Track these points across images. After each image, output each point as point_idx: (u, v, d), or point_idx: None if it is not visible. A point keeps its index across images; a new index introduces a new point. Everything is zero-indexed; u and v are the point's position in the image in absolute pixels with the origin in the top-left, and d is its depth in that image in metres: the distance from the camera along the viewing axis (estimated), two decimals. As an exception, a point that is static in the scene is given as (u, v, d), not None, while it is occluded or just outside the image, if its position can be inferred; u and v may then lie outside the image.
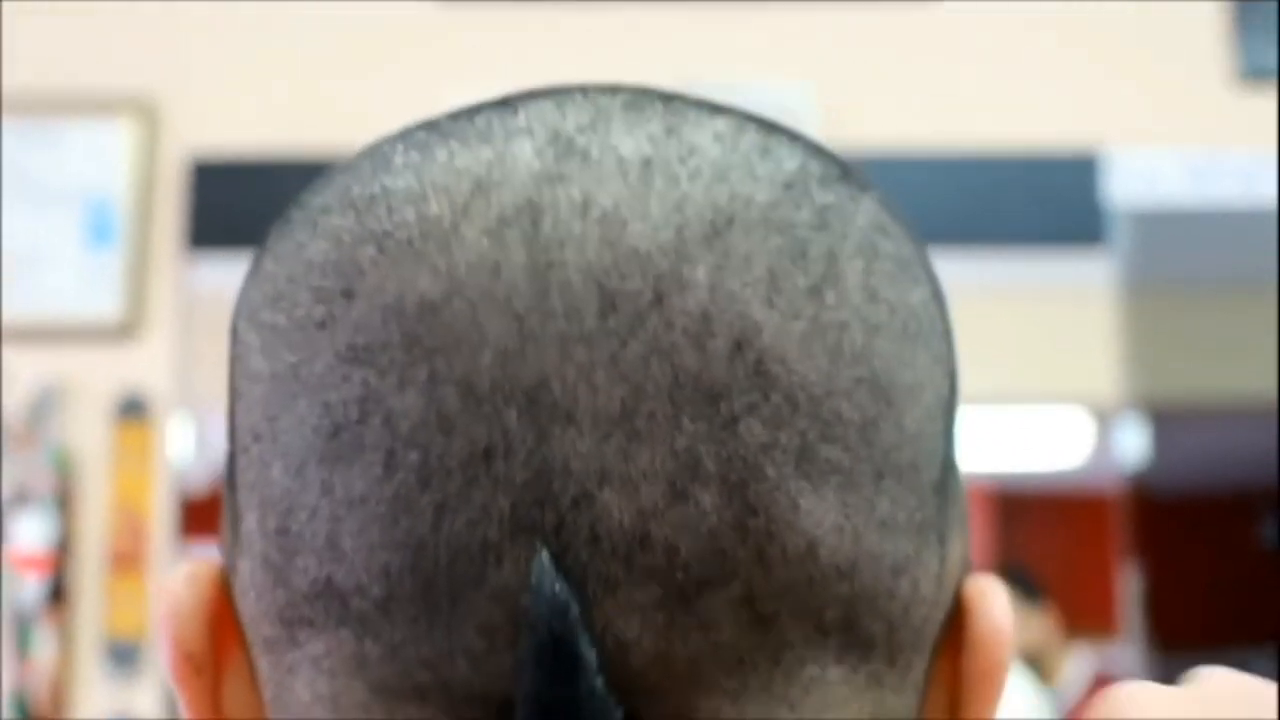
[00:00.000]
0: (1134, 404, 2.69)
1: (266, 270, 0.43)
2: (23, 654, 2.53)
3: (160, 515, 2.61)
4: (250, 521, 0.41)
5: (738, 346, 0.38)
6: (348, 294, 0.39)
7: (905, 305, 0.42)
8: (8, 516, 2.56)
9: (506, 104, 0.42)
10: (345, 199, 0.41)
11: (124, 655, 2.57)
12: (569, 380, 0.37)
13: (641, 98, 0.42)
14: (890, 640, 0.40)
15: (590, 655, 0.36)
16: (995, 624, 0.43)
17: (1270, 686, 0.40)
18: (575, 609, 0.37)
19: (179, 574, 0.44)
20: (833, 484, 0.39)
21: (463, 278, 0.38)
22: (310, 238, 0.42)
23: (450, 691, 0.38)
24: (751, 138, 0.42)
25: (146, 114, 2.71)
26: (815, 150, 0.43)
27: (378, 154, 0.42)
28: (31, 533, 2.56)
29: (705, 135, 0.41)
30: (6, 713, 2.51)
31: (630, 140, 0.40)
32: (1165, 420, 2.87)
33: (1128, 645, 2.74)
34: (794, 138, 0.43)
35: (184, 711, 0.43)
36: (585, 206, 0.39)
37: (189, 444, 2.64)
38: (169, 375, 2.64)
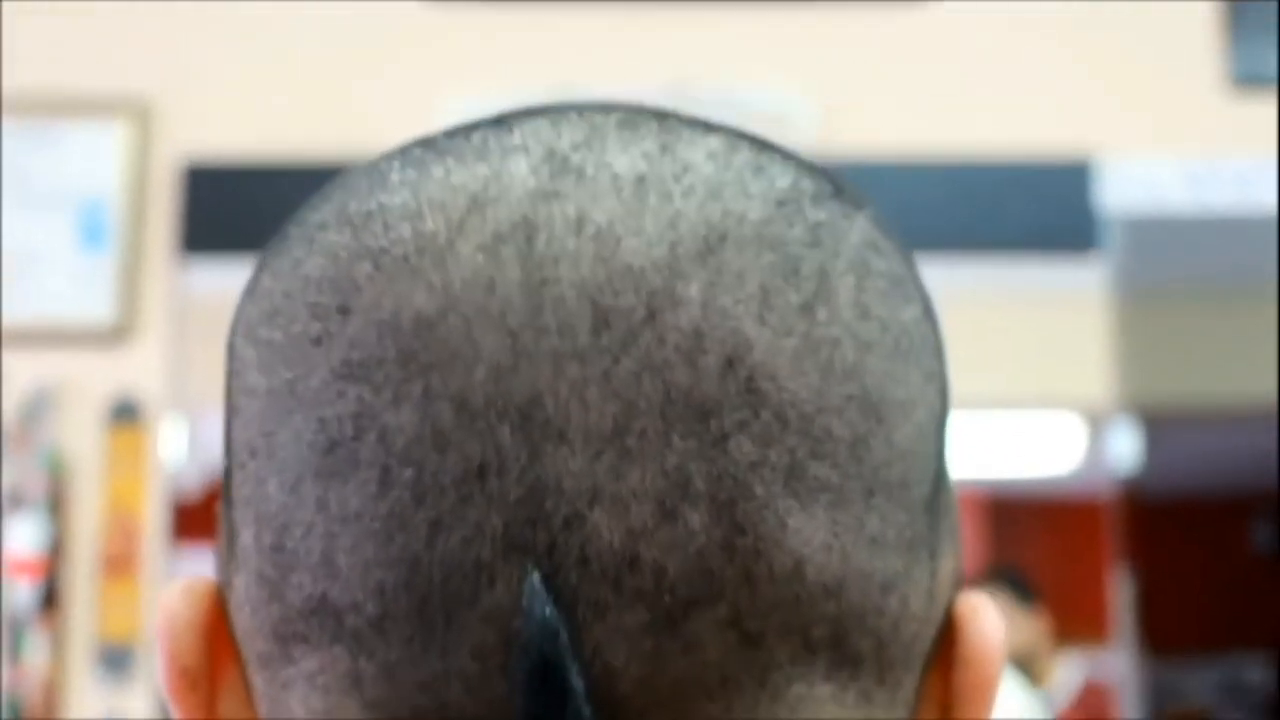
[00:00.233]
0: (1127, 409, 2.69)
1: (264, 286, 0.43)
2: (15, 658, 2.53)
3: (153, 519, 2.61)
4: (246, 537, 0.41)
5: (729, 363, 0.38)
6: (344, 310, 0.40)
7: (897, 322, 0.42)
8: (1, 520, 2.56)
9: (502, 122, 0.43)
10: (342, 216, 0.42)
11: (116, 659, 2.57)
12: (562, 397, 0.37)
13: (636, 116, 0.42)
14: (879, 657, 0.40)
15: (579, 683, 0.37)
16: (987, 640, 0.43)
17: None
18: (565, 635, 0.37)
19: (175, 589, 0.44)
20: (822, 502, 0.39)
21: (458, 294, 0.38)
22: (307, 254, 0.42)
23: (444, 713, 0.38)
24: (744, 156, 0.42)
25: (140, 117, 2.71)
26: (808, 168, 0.43)
27: (374, 171, 0.43)
28: (24, 536, 2.56)
29: (699, 153, 0.41)
30: (-1, 716, 2.51)
31: (625, 158, 0.41)
32: (1158, 425, 2.88)
33: (1121, 650, 2.74)
34: (787, 156, 0.43)
35: None
36: (580, 223, 0.39)
37: (181, 448, 2.64)
38: (162, 379, 2.64)
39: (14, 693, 2.52)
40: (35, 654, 2.54)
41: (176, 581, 0.44)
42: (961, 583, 0.45)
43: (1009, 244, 2.66)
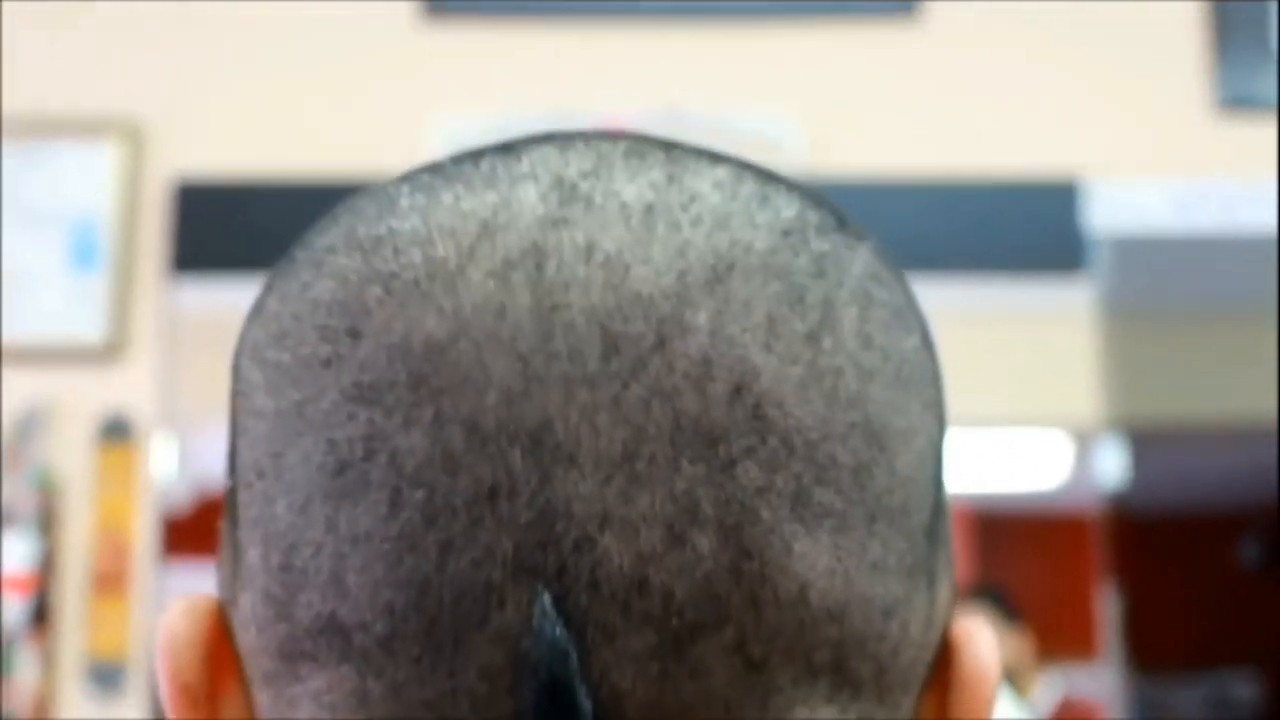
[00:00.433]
0: (1114, 427, 2.70)
1: (270, 309, 0.43)
2: (5, 675, 2.53)
3: (143, 536, 2.61)
4: (253, 556, 0.42)
5: (737, 390, 0.39)
6: (354, 333, 0.40)
7: (899, 351, 0.43)
8: (-9, 537, 2.56)
9: (510, 149, 0.43)
10: (351, 240, 0.42)
11: (107, 676, 2.57)
12: (572, 422, 0.38)
13: (642, 145, 0.43)
14: (879, 681, 0.41)
15: (587, 704, 0.37)
16: (982, 664, 0.44)
17: None
18: (574, 656, 0.37)
19: (176, 607, 0.44)
20: (826, 527, 0.39)
21: (468, 319, 0.39)
22: (315, 277, 0.42)
23: None
24: (750, 186, 0.43)
25: (131, 137, 2.72)
26: (813, 199, 0.44)
27: (383, 196, 0.43)
28: (15, 554, 2.56)
29: (705, 183, 0.42)
30: (-11, 734, 2.51)
31: (632, 187, 0.41)
32: (1145, 443, 2.88)
33: (1107, 667, 2.75)
34: (791, 187, 0.44)
35: None
36: (589, 251, 0.39)
37: (172, 465, 2.65)
38: (153, 397, 2.64)
39: (5, 709, 2.52)
40: (25, 671, 2.54)
41: (177, 599, 0.44)
42: (957, 607, 0.45)
43: (998, 264, 2.67)
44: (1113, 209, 2.68)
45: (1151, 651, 3.21)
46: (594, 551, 0.37)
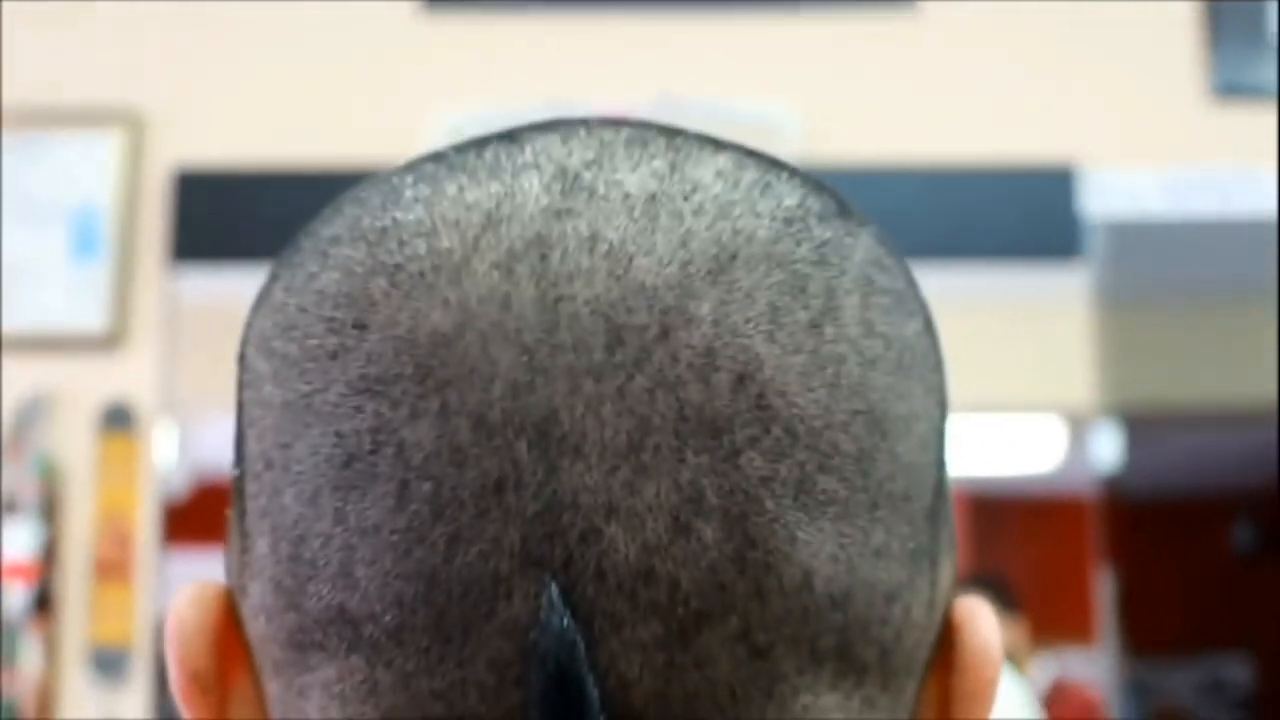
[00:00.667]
0: (1108, 411, 2.71)
1: (277, 299, 0.43)
2: (8, 662, 2.53)
3: (145, 523, 2.62)
4: (262, 546, 0.42)
5: (740, 380, 0.39)
6: (360, 325, 0.40)
7: (900, 338, 0.43)
8: (-6, 525, 2.57)
9: (513, 138, 0.43)
10: (356, 230, 0.42)
11: (109, 663, 2.58)
12: (577, 413, 0.38)
13: (644, 133, 0.43)
14: (883, 665, 0.41)
15: (595, 694, 0.37)
16: (984, 644, 0.44)
17: None
18: (581, 647, 0.37)
19: (185, 594, 0.44)
20: (829, 514, 0.40)
21: (474, 310, 0.39)
22: (321, 268, 0.42)
23: None
24: (752, 174, 0.43)
25: (132, 126, 2.72)
26: (814, 186, 0.44)
27: (387, 186, 0.43)
28: (17, 541, 2.57)
29: (708, 172, 0.42)
30: (-8, 721, 2.52)
31: (635, 176, 0.41)
32: (1139, 427, 2.89)
33: (1102, 650, 2.76)
34: (793, 174, 0.44)
35: None
36: (592, 241, 0.40)
37: (173, 453, 2.65)
38: (154, 386, 2.65)
39: (7, 697, 2.52)
40: (28, 658, 2.54)
41: (186, 586, 0.44)
42: (958, 589, 0.46)
43: (994, 251, 2.68)
44: (1108, 195, 2.69)
45: (1145, 635, 3.22)
46: (600, 542, 0.38)
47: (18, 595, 2.56)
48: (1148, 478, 3.10)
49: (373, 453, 0.39)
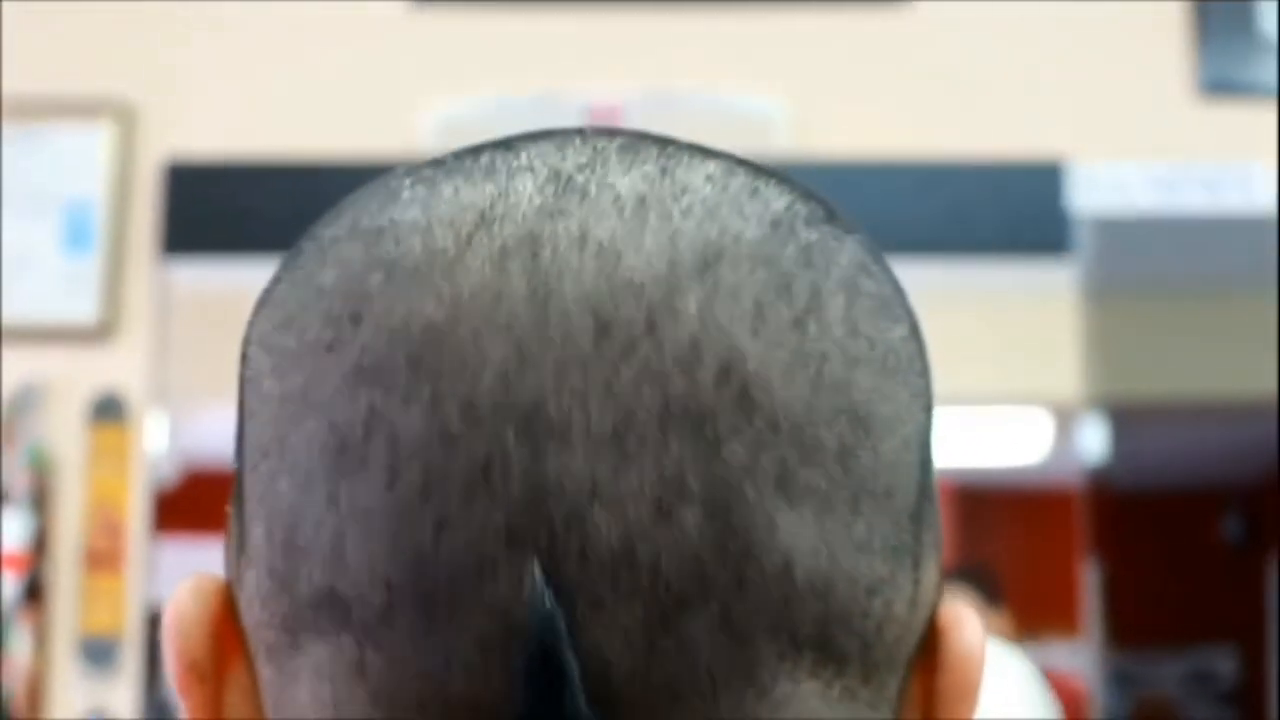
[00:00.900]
0: (1095, 404, 2.73)
1: (278, 296, 0.44)
2: (-1, 651, 2.55)
3: (135, 513, 2.62)
4: (257, 534, 0.43)
5: (724, 373, 0.40)
6: (356, 318, 0.41)
7: (885, 341, 0.43)
8: (-14, 515, 2.58)
9: (509, 145, 0.44)
10: (355, 230, 0.43)
11: (99, 652, 2.58)
12: (564, 402, 0.39)
13: (637, 141, 0.44)
14: (864, 658, 0.42)
15: (575, 674, 0.38)
16: (969, 647, 0.45)
17: None
18: (563, 626, 0.38)
19: (184, 587, 0.45)
20: (810, 506, 0.40)
21: (466, 304, 0.40)
22: (320, 266, 0.43)
23: (447, 702, 0.39)
24: (741, 179, 0.44)
25: (124, 119, 2.72)
26: (802, 193, 0.45)
27: (386, 189, 0.44)
28: (8, 531, 2.58)
29: (698, 176, 0.43)
30: (-17, 710, 2.52)
31: (626, 179, 0.42)
32: (1127, 420, 2.90)
33: (1088, 641, 2.77)
34: (782, 180, 0.45)
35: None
36: (583, 240, 0.41)
37: (164, 444, 2.66)
38: (145, 376, 2.65)
39: (-2, 685, 2.53)
40: (19, 647, 2.55)
41: (185, 579, 0.45)
42: (943, 588, 0.46)
43: (983, 245, 2.70)
44: (1096, 190, 2.70)
45: (1131, 627, 3.23)
46: (583, 525, 0.38)
47: (8, 585, 2.56)
48: (1134, 470, 3.12)
49: (365, 440, 0.40)
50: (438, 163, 0.45)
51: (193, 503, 2.69)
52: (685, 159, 0.44)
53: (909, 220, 2.66)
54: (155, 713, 2.62)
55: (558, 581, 0.38)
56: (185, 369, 2.65)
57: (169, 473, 2.66)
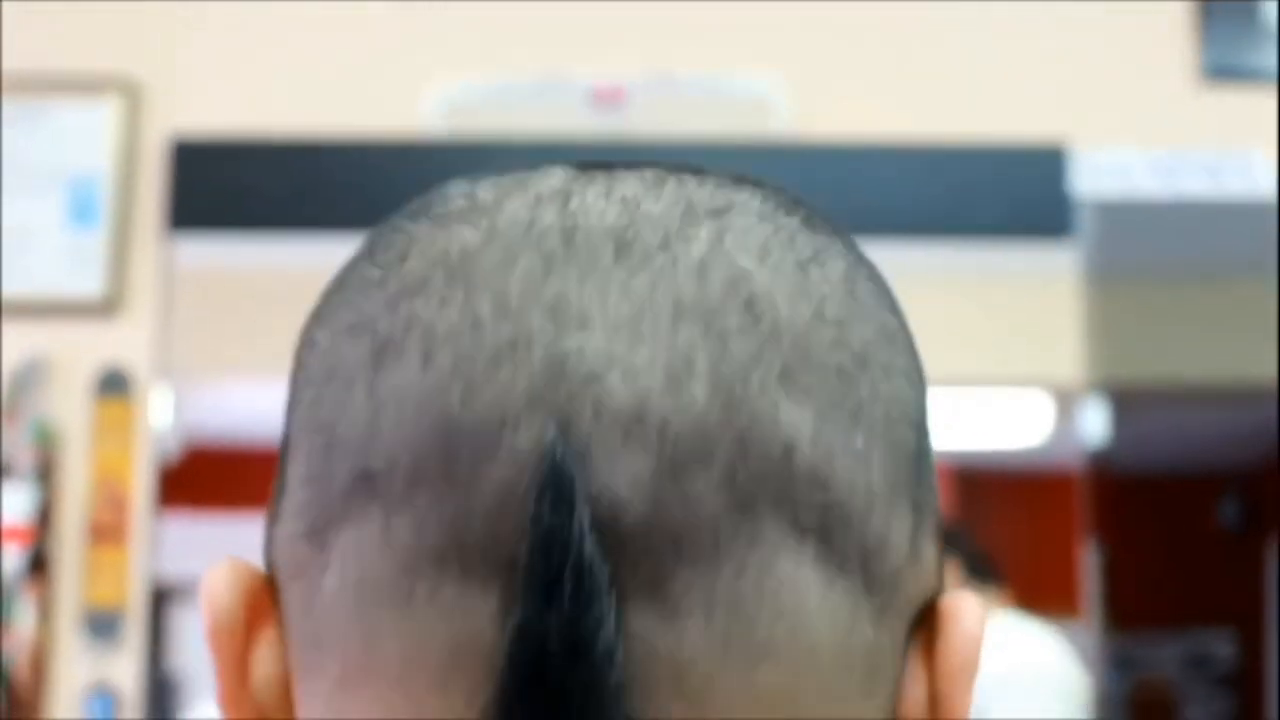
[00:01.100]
0: (1096, 387, 2.73)
1: (336, 278, 0.49)
2: (4, 623, 2.56)
3: (140, 488, 2.64)
4: (297, 462, 0.47)
5: (732, 285, 0.44)
6: (402, 257, 0.46)
7: (880, 314, 0.47)
8: (-10, 488, 2.59)
9: (535, 168, 0.50)
10: (407, 210, 0.48)
11: (103, 625, 2.60)
12: (585, 297, 0.43)
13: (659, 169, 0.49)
14: (865, 568, 0.44)
15: (586, 513, 0.41)
16: (972, 629, 0.47)
17: None
18: (574, 468, 0.41)
19: (221, 563, 0.48)
20: (811, 407, 0.44)
21: (501, 231, 0.45)
22: (373, 236, 0.49)
23: (465, 551, 0.42)
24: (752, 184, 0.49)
25: (129, 95, 2.73)
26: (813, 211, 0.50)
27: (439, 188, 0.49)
28: (13, 504, 2.59)
29: (713, 175, 0.48)
30: (-12, 680, 2.54)
31: (647, 170, 0.48)
32: (1127, 404, 2.91)
33: (1087, 624, 2.78)
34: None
35: (215, 677, 0.47)
36: (608, 192, 0.46)
37: (168, 418, 2.67)
38: (149, 351, 2.66)
39: (2, 656, 2.54)
40: (23, 619, 2.57)
41: (222, 560, 0.48)
42: (944, 575, 0.49)
43: (984, 228, 2.70)
44: (1098, 174, 2.71)
45: (1130, 609, 3.24)
46: (599, 387, 0.42)
47: (13, 557, 2.57)
48: (1134, 453, 3.12)
49: (403, 336, 0.44)
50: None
51: (196, 477, 2.70)
52: (701, 173, 0.49)
53: (910, 203, 2.67)
54: (158, 685, 2.64)
55: (574, 433, 0.42)
56: (190, 344, 2.66)
57: (173, 447, 2.67)
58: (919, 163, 2.70)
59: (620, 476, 0.42)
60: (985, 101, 2.75)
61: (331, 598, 0.44)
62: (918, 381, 0.48)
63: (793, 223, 0.47)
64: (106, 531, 2.61)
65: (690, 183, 0.47)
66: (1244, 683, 3.98)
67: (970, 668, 0.47)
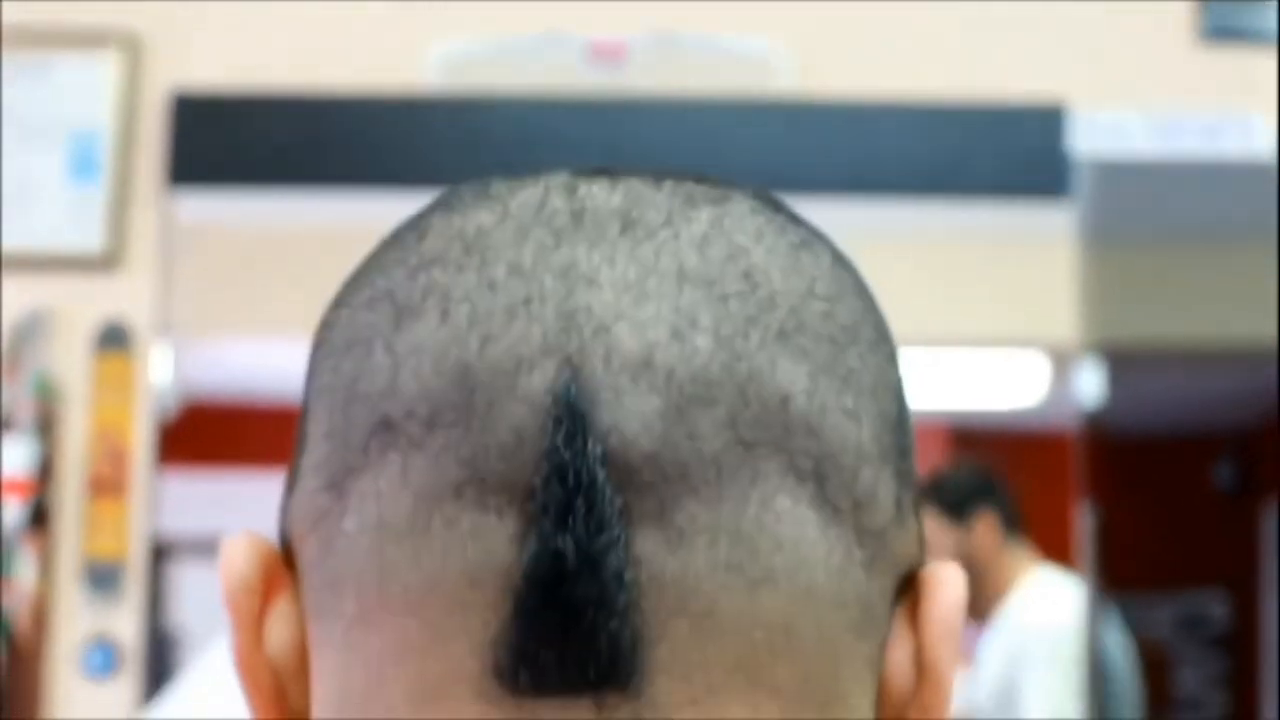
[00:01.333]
0: (1092, 348, 2.74)
1: (360, 266, 0.52)
2: (4, 575, 2.57)
3: (139, 442, 2.65)
4: (317, 422, 0.49)
5: (730, 256, 0.48)
6: (421, 236, 0.49)
7: (865, 307, 0.51)
8: (-9, 442, 2.60)
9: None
10: (423, 208, 0.52)
11: (103, 577, 2.61)
12: (595, 263, 0.47)
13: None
14: (856, 519, 0.47)
15: (597, 449, 0.44)
16: (954, 596, 0.49)
17: None
18: (588, 410, 0.44)
19: (239, 536, 0.50)
20: (806, 366, 0.47)
21: (513, 211, 0.48)
22: (390, 232, 0.52)
23: (483, 485, 0.45)
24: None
25: (130, 49, 2.73)
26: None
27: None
28: (14, 458, 2.60)
29: (708, 179, 0.52)
30: (-11, 632, 2.55)
31: (647, 175, 0.51)
32: (1123, 365, 2.91)
33: (1082, 584, 2.80)
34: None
35: (232, 638, 0.50)
36: (613, 184, 0.49)
37: (168, 373, 2.68)
38: (150, 306, 2.67)
39: (3, 609, 2.56)
40: (24, 571, 2.58)
41: (240, 534, 0.51)
42: (926, 550, 0.52)
43: (982, 187, 2.70)
44: (1096, 135, 2.71)
45: (1124, 570, 3.25)
46: (609, 336, 0.45)
47: (14, 511, 2.59)
48: (1130, 415, 3.13)
49: (422, 301, 0.47)
50: None
51: (195, 432, 2.71)
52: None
53: (908, 162, 2.68)
54: (158, 640, 2.66)
55: (584, 376, 0.45)
56: (190, 299, 2.67)
57: (173, 402, 2.68)
58: (918, 122, 2.70)
59: (629, 414, 0.45)
60: (984, 61, 2.75)
61: (349, 540, 0.47)
62: (897, 369, 0.51)
63: (781, 218, 0.50)
64: (106, 485, 2.63)
65: (688, 182, 0.50)
66: (1238, 644, 4.00)
67: (955, 634, 0.49)
